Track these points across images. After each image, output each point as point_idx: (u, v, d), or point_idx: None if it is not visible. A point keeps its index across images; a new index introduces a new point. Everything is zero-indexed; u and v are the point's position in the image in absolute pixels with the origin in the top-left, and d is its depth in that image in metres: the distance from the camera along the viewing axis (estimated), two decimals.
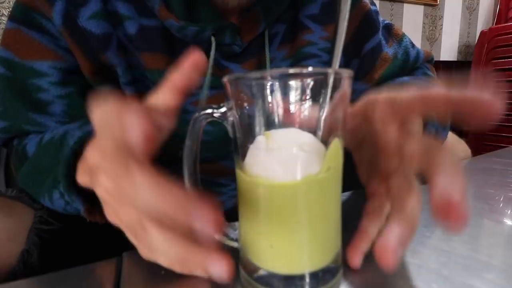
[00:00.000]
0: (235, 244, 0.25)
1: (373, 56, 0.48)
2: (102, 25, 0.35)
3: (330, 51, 0.45)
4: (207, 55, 0.40)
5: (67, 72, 0.36)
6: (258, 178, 0.20)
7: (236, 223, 0.25)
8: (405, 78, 0.48)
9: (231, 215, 0.44)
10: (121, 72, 0.37)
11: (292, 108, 0.20)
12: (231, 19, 0.40)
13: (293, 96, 0.20)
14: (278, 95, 0.19)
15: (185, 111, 0.42)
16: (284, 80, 0.19)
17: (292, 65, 0.45)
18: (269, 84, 0.19)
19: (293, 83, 0.19)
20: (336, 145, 0.21)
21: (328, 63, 0.46)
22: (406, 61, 0.49)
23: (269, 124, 0.20)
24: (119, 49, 0.37)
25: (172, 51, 0.38)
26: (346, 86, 0.21)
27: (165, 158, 0.45)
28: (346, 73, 0.20)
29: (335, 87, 0.20)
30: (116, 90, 0.39)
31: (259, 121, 0.21)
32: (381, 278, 0.25)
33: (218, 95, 0.42)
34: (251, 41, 0.41)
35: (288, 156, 0.20)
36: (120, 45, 0.37)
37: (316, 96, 0.20)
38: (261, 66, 0.43)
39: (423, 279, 0.25)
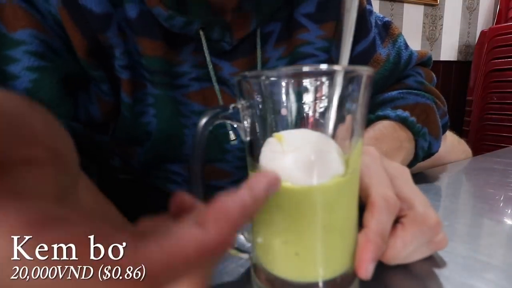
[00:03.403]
0: (245, 256, 0.24)
1: (364, 58, 0.47)
2: (103, 3, 0.34)
3: (327, 50, 0.45)
4: (197, 47, 0.39)
5: (47, 46, 0.35)
6: (284, 183, 0.19)
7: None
8: (393, 93, 0.47)
9: None
10: (119, 54, 0.36)
11: (310, 107, 0.19)
12: (225, 17, 0.40)
13: (311, 95, 0.19)
14: (296, 94, 0.19)
15: (178, 102, 0.41)
16: (302, 78, 0.19)
17: (288, 65, 0.45)
18: (287, 82, 0.19)
19: (312, 81, 0.19)
20: (360, 145, 0.21)
21: (326, 62, 0.46)
22: (397, 63, 0.48)
23: (284, 125, 0.20)
24: (119, 31, 0.36)
25: (170, 40, 0.38)
26: (367, 84, 0.20)
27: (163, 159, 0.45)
28: (367, 71, 0.20)
29: (355, 86, 0.19)
30: (110, 74, 0.38)
31: (276, 121, 0.20)
32: (379, 275, 0.25)
33: (208, 88, 0.42)
34: (243, 39, 0.40)
35: (315, 157, 0.19)
36: (120, 27, 0.36)
37: (333, 94, 0.19)
38: (253, 65, 0.42)
39: (423, 279, 0.25)
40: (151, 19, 0.36)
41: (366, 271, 0.21)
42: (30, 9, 0.34)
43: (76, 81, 0.38)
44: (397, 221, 0.24)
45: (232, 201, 0.15)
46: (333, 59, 0.46)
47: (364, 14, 0.46)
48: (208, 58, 0.38)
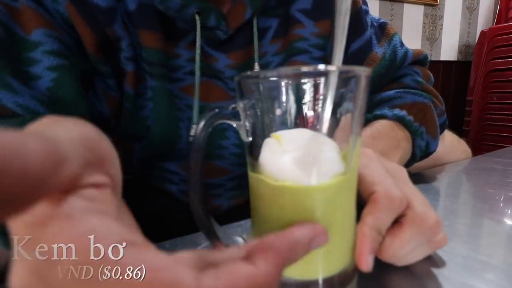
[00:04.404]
0: None
1: (359, 57, 0.48)
2: None
3: (322, 48, 0.45)
4: (194, 40, 0.39)
5: (61, 44, 0.36)
6: (286, 183, 0.20)
7: (232, 228, 0.25)
8: (391, 93, 0.48)
9: (228, 216, 0.44)
10: (125, 46, 0.37)
11: (309, 107, 0.20)
12: (222, 8, 0.40)
13: (311, 95, 0.19)
14: (295, 94, 0.19)
15: (174, 95, 0.41)
16: (302, 78, 0.19)
17: (284, 60, 0.45)
18: (286, 82, 0.19)
19: (311, 81, 0.19)
20: (359, 143, 0.21)
21: (320, 59, 0.46)
22: (393, 60, 0.48)
23: (284, 124, 0.20)
24: (123, 24, 0.37)
25: (168, 32, 0.39)
26: (365, 83, 0.20)
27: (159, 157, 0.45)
28: (365, 71, 0.20)
29: (353, 86, 0.20)
30: (116, 68, 0.39)
31: (275, 121, 0.20)
32: (379, 275, 0.25)
33: (203, 83, 0.42)
34: (238, 31, 0.40)
35: (316, 156, 0.20)
36: (123, 20, 0.37)
37: (331, 94, 0.19)
38: (249, 58, 0.42)
39: (423, 279, 0.25)
40: (150, 11, 0.37)
41: (366, 263, 0.22)
42: (38, 9, 0.35)
43: (87, 80, 0.39)
44: (396, 220, 0.24)
45: (281, 240, 0.16)
46: (329, 58, 0.46)
47: (359, 13, 0.47)
48: (198, 44, 0.38)
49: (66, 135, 0.14)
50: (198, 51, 0.39)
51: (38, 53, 0.34)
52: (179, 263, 0.14)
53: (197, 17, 0.37)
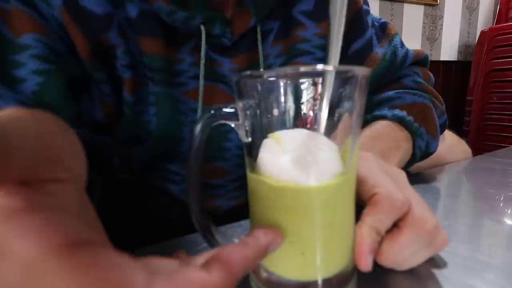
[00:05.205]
0: None
1: (360, 57, 0.47)
2: (103, 4, 0.35)
3: (324, 48, 0.45)
4: (197, 45, 0.39)
5: (51, 50, 0.35)
6: (288, 184, 0.20)
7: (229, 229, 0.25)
8: (390, 93, 0.47)
9: (229, 216, 0.44)
10: (121, 54, 0.37)
11: (308, 107, 0.20)
12: (225, 13, 0.40)
13: (309, 95, 0.19)
14: (294, 94, 0.19)
15: (177, 100, 0.41)
16: (300, 78, 0.19)
17: (286, 62, 0.45)
18: (285, 82, 0.19)
19: (310, 81, 0.19)
20: (358, 143, 0.22)
21: (322, 60, 0.46)
22: (393, 61, 0.48)
23: (283, 125, 0.20)
24: (120, 31, 0.36)
25: (170, 37, 0.38)
26: (363, 83, 0.20)
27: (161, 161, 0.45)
28: (363, 71, 0.20)
29: (352, 86, 0.20)
30: (112, 75, 0.38)
31: (274, 122, 0.20)
32: (378, 276, 0.25)
33: (207, 87, 0.41)
34: (242, 36, 0.40)
35: (316, 157, 0.20)
36: (121, 27, 0.37)
37: (330, 94, 0.19)
38: (253, 62, 0.42)
39: (423, 279, 0.25)
40: (152, 18, 0.37)
41: (366, 263, 0.22)
42: (33, 14, 0.34)
43: (79, 84, 0.39)
44: (395, 224, 0.24)
45: (236, 252, 0.17)
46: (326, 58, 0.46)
47: (360, 13, 0.47)
48: (203, 53, 0.38)
49: (17, 127, 0.15)
50: (202, 61, 0.39)
51: (24, 56, 0.34)
52: (133, 263, 0.14)
53: (202, 27, 0.37)
